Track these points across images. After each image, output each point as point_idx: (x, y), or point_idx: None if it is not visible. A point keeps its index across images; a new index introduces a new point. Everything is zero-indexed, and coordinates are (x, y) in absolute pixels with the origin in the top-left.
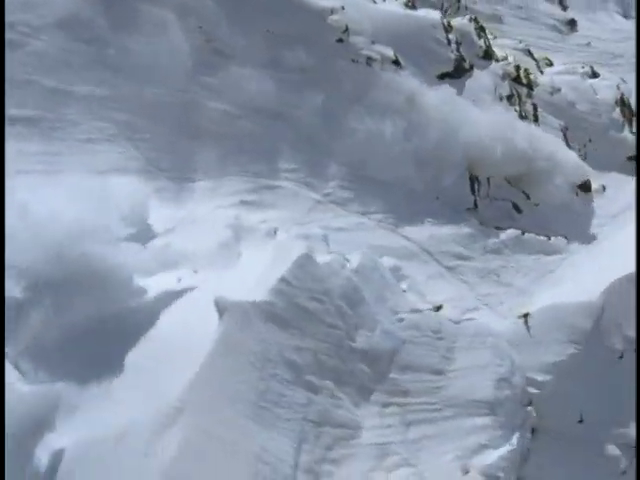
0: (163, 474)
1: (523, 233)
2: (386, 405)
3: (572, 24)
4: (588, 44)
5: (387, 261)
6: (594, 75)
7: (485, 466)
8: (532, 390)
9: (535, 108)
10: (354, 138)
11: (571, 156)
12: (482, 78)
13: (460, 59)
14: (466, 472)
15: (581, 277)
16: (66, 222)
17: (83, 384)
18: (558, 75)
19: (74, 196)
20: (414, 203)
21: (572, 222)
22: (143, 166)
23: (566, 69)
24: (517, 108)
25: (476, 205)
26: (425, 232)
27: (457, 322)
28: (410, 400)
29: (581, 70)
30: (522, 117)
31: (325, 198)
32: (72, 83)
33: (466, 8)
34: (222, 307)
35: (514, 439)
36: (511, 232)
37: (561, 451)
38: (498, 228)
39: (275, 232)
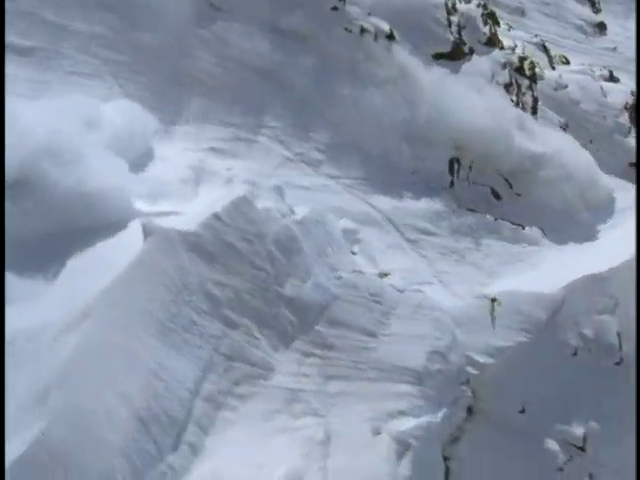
0: (59, 372)
1: (496, 219)
2: (307, 355)
3: (601, 27)
4: (614, 49)
5: (344, 223)
6: (611, 79)
7: (399, 431)
8: (471, 370)
9: (535, 100)
10: (343, 105)
11: (582, 157)
12: (480, 64)
13: (459, 42)
14: (377, 433)
15: (546, 270)
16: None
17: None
18: (569, 73)
19: (56, 113)
20: (389, 175)
21: (555, 219)
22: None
23: (581, 69)
24: (514, 98)
25: (452, 184)
26: (393, 203)
27: (401, 291)
28: (334, 355)
29: (598, 72)
30: (519, 107)
31: (297, 157)
32: (73, 19)
33: None
34: (148, 230)
35: (440, 413)
36: (483, 216)
37: (498, 438)
38: (471, 210)
39: (234, 180)
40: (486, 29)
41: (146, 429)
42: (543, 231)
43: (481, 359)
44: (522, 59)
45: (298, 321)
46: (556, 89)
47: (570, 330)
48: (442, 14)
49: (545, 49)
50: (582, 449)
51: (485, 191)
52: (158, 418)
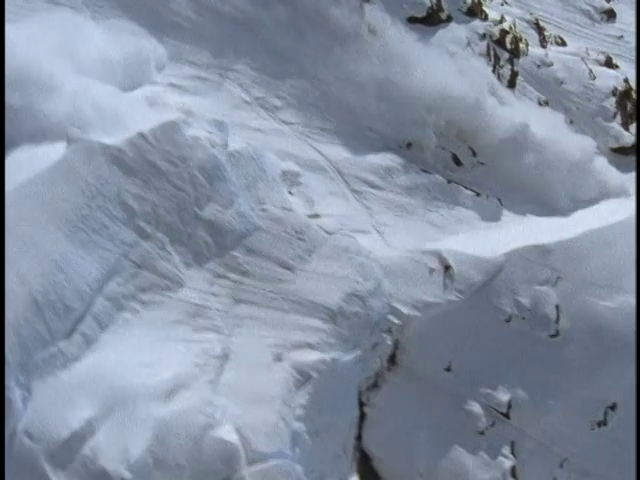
0: None
1: (450, 182)
2: (219, 276)
3: (609, 14)
4: (620, 37)
5: (287, 165)
6: (608, 65)
7: (301, 362)
8: (394, 319)
9: (514, 74)
10: (314, 57)
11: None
12: (457, 31)
13: (437, 8)
14: (278, 360)
15: (491, 236)
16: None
17: None
18: (559, 54)
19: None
20: (348, 128)
21: (519, 193)
22: None
23: (575, 51)
24: (490, 69)
25: (410, 145)
26: (345, 155)
27: (330, 233)
28: (247, 281)
29: (594, 57)
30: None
31: (255, 101)
32: None
33: None
34: (71, 138)
35: (353, 354)
36: (437, 177)
37: (420, 393)
38: (425, 171)
39: (186, 113)
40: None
41: (40, 312)
42: (500, 201)
43: (405, 310)
44: (504, 32)
45: (214, 244)
46: (539, 66)
47: (506, 297)
48: None
49: (538, 27)
50: (506, 416)
51: (446, 155)
52: (54, 305)
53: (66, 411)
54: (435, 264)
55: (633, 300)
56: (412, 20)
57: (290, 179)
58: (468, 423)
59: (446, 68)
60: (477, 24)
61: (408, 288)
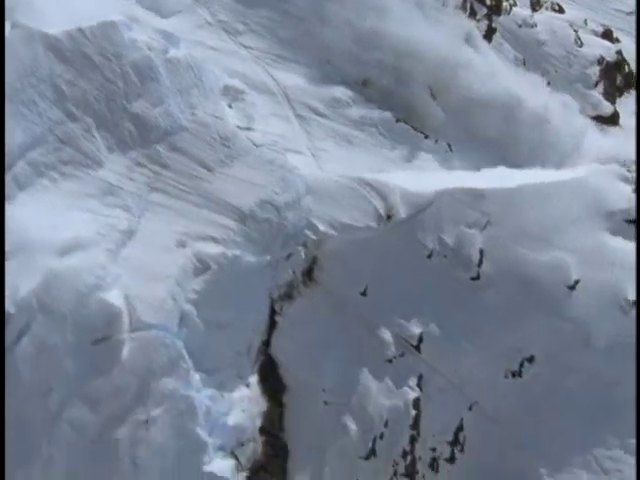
0: None
1: (398, 120)
2: (140, 165)
3: None
4: (630, 13)
5: (232, 82)
6: (606, 37)
7: (203, 252)
8: (309, 234)
9: (491, 30)
10: None
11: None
12: None
13: None
14: (181, 246)
15: (428, 175)
16: None
17: None
18: (548, 17)
19: None
20: (307, 58)
21: (478, 143)
22: None
23: (570, 19)
24: (464, 22)
25: (366, 83)
26: (297, 82)
27: (258, 145)
28: (166, 173)
29: (592, 27)
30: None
31: (219, 23)
32: None
33: None
34: (15, 23)
35: (259, 258)
36: (386, 114)
37: (334, 312)
38: (376, 108)
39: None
40: None
41: None
42: (450, 147)
43: (322, 227)
44: None
45: (139, 136)
46: (520, 26)
47: (431, 233)
48: None
49: None
50: (417, 349)
51: (403, 96)
52: None
53: None
54: (362, 191)
55: (565, 257)
56: None
57: (233, 95)
58: (378, 349)
59: (419, 19)
60: None
61: (329, 208)
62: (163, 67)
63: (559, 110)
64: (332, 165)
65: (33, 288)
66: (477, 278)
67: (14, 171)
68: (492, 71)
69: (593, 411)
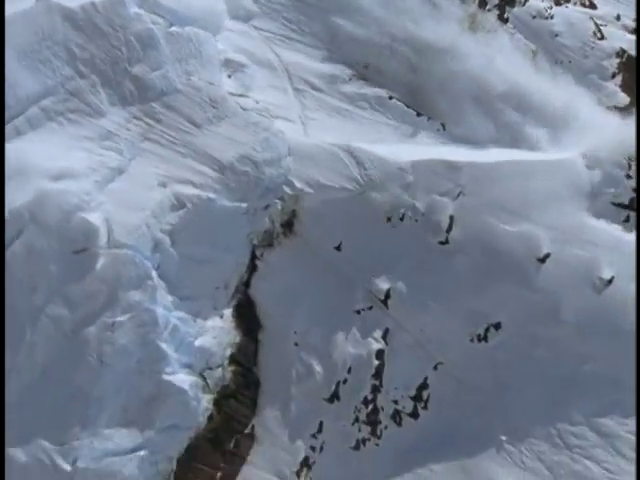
0: None
1: (391, 98)
2: (136, 118)
3: None
4: None
5: (236, 56)
6: (627, 29)
7: (181, 193)
8: (287, 189)
9: (502, 20)
10: None
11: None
12: None
13: None
14: (162, 186)
15: (409, 148)
16: None
17: None
18: (568, 10)
19: None
20: (311, 41)
21: (479, 128)
22: None
23: (600, 14)
24: (469, 8)
25: (367, 66)
26: (299, 59)
27: (246, 109)
28: (158, 127)
29: (624, 21)
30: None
31: (233, 4)
32: None
33: None
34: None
35: (236, 204)
36: (380, 91)
37: (310, 263)
38: (375, 86)
39: None
40: None
41: None
42: (444, 127)
43: (299, 185)
44: None
45: (138, 94)
46: (535, 17)
47: (404, 199)
48: None
49: None
50: (384, 304)
51: (399, 72)
52: None
53: None
54: (341, 155)
55: (537, 231)
56: None
57: (234, 67)
58: (348, 300)
59: (423, 9)
60: None
61: (308, 169)
62: (164, 38)
63: (569, 100)
64: (318, 132)
65: (27, 201)
66: (446, 242)
67: (28, 114)
68: (492, 59)
69: (560, 385)
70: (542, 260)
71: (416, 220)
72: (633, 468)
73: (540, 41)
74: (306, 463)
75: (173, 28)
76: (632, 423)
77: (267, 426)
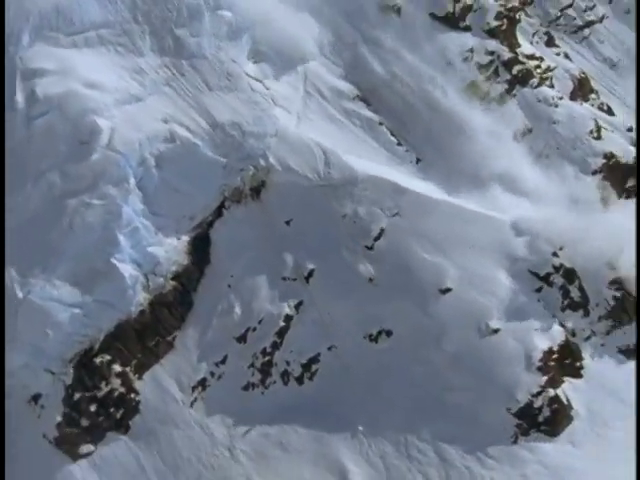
0: None
1: (381, 124)
2: (166, 67)
3: None
4: None
5: (268, 51)
6: (632, 142)
7: (175, 131)
8: (261, 161)
9: (509, 93)
10: None
11: None
12: (466, 39)
13: (457, 16)
14: (165, 122)
15: (373, 166)
16: None
17: None
18: (575, 105)
19: None
20: (338, 60)
21: (451, 167)
22: None
23: (608, 119)
24: (479, 76)
25: (373, 93)
26: (319, 69)
27: (254, 91)
28: (181, 79)
29: (625, 131)
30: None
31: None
32: None
33: None
34: None
35: (216, 156)
36: (373, 115)
37: (264, 227)
38: (372, 111)
39: None
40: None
41: (56, 17)
42: (418, 161)
43: (272, 160)
44: (514, 60)
45: (174, 50)
46: (540, 101)
47: (350, 203)
48: None
49: (579, 82)
50: (306, 280)
51: (397, 106)
52: (65, 16)
53: None
54: (315, 150)
55: (448, 267)
56: (433, 16)
57: (259, 57)
58: (280, 266)
59: (434, 61)
60: (491, 42)
61: (285, 152)
62: (208, 16)
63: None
64: (308, 130)
65: (60, 92)
66: (371, 248)
67: (87, 34)
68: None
69: (424, 403)
70: (443, 292)
71: (354, 222)
72: None
73: (537, 122)
74: (203, 383)
75: (219, 11)
76: (472, 459)
77: (185, 341)
